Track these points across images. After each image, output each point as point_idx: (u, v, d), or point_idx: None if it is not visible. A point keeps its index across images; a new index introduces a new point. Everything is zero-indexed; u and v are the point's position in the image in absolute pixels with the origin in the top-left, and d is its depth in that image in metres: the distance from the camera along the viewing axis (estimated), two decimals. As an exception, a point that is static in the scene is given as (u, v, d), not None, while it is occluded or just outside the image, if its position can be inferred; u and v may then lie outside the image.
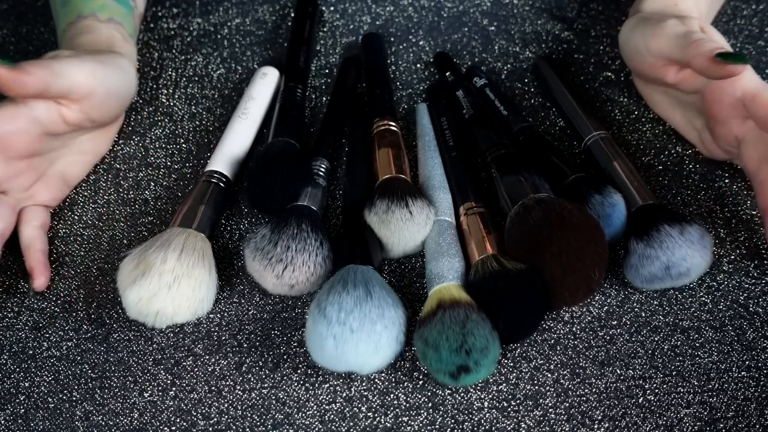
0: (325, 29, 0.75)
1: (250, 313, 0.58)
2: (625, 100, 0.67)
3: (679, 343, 0.54)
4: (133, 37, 0.69)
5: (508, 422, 0.52)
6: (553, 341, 0.55)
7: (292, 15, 0.75)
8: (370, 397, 0.54)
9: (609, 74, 0.69)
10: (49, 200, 0.63)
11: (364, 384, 0.54)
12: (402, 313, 0.53)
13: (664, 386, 0.53)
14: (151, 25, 0.76)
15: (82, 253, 0.62)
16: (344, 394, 0.54)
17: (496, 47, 0.72)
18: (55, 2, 0.68)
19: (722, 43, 0.56)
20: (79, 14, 0.66)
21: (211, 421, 0.54)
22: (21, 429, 0.54)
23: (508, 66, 0.71)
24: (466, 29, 0.74)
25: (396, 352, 0.53)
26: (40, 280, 0.59)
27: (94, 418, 0.54)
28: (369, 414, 0.53)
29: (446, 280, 0.54)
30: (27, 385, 0.56)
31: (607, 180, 0.59)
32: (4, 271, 0.61)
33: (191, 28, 0.75)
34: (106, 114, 0.62)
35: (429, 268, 0.56)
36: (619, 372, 0.53)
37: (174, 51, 0.74)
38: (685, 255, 0.53)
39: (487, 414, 0.52)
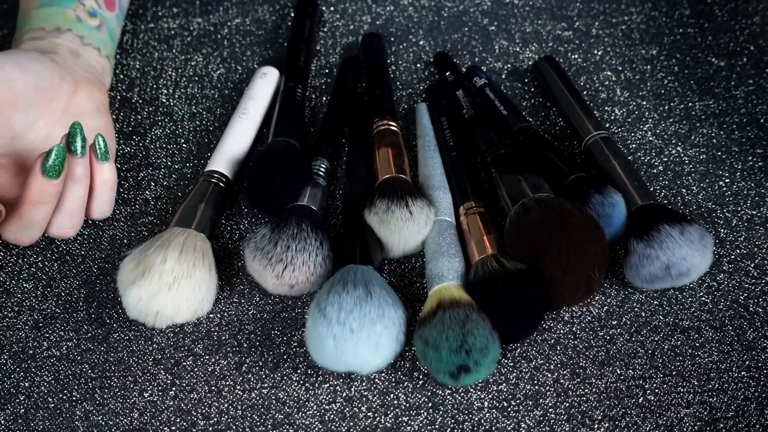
0: (325, 29, 0.75)
1: (250, 313, 0.58)
2: (625, 100, 0.67)
3: (679, 343, 0.54)
4: (69, 26, 0.63)
5: (508, 422, 0.52)
6: (553, 341, 0.55)
7: (292, 15, 0.75)
8: (370, 397, 0.54)
9: (609, 74, 0.69)
10: None
11: (364, 384, 0.54)
12: (402, 313, 0.53)
13: (664, 386, 0.53)
14: (151, 25, 0.76)
15: (83, 253, 0.62)
16: (344, 394, 0.54)
17: (496, 47, 0.72)
18: None
19: None
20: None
21: (211, 421, 0.54)
22: (21, 429, 0.54)
23: (508, 66, 0.71)
24: (466, 29, 0.74)
25: (396, 352, 0.53)
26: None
27: (94, 418, 0.54)
28: (369, 414, 0.53)
29: (446, 280, 0.54)
30: (27, 385, 0.56)
31: (607, 180, 0.59)
32: (4, 271, 0.61)
33: (191, 28, 0.75)
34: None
35: (429, 268, 0.56)
36: (619, 372, 0.53)
37: (174, 51, 0.74)
38: (685, 255, 0.53)
39: (487, 414, 0.52)
